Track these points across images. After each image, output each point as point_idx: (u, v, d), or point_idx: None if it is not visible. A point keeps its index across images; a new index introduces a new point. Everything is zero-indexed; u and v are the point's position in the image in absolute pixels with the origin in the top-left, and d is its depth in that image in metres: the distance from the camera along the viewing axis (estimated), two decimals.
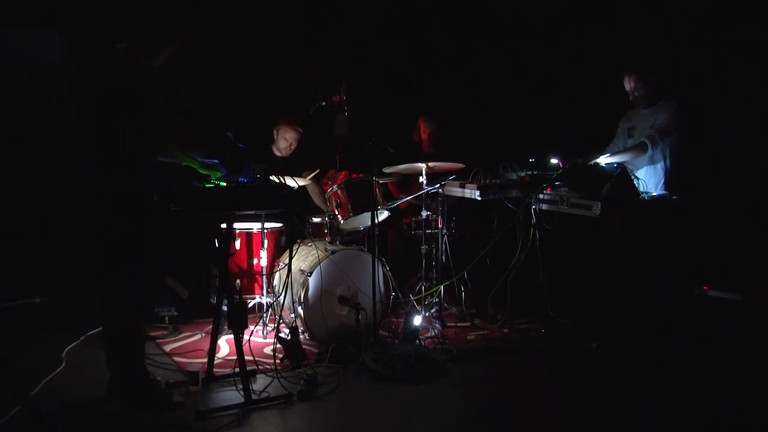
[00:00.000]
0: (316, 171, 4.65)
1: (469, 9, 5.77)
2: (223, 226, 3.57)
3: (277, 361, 3.67)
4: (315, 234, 4.55)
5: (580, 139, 4.66)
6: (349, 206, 4.27)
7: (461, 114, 5.66)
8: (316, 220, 4.64)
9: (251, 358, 3.54)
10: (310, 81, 4.52)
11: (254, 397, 3.19)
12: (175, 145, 3.28)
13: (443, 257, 4.40)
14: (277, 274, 4.36)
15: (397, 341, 4.00)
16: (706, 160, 4.57)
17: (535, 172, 4.17)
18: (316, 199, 4.93)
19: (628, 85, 4.31)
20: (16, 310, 4.85)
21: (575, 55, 5.35)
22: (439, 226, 4.38)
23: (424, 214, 4.37)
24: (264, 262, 4.38)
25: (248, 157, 4.33)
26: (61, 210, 4.86)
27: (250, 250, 4.48)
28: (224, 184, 3.28)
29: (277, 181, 3.39)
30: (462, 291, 4.56)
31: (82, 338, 4.06)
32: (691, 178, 4.31)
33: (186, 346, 4.11)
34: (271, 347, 3.91)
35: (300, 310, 4.04)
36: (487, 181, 4.19)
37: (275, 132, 4.92)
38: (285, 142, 4.89)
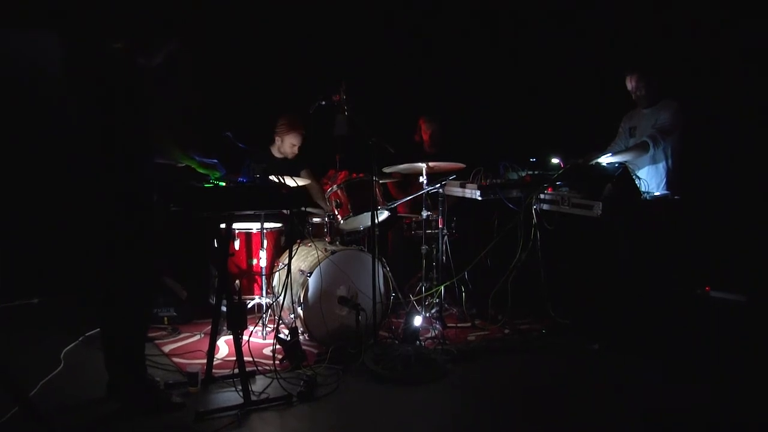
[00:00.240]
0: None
1: (469, 8, 5.76)
2: (222, 226, 3.56)
3: (277, 362, 3.66)
4: (315, 234, 4.54)
5: (581, 139, 4.65)
6: (349, 206, 4.25)
7: (462, 114, 5.65)
8: (316, 220, 4.62)
9: (250, 358, 3.53)
10: (310, 81, 4.51)
11: (253, 398, 3.18)
12: (175, 144, 3.27)
13: (444, 257, 4.38)
14: (276, 275, 4.34)
15: (397, 342, 4.00)
16: (707, 160, 4.55)
17: (535, 172, 4.16)
18: (317, 198, 4.91)
19: (630, 84, 4.30)
20: (14, 311, 4.84)
21: (576, 55, 5.34)
22: (440, 226, 4.37)
23: (425, 214, 4.36)
24: (263, 263, 4.37)
25: (248, 157, 4.32)
26: (61, 210, 4.85)
27: (249, 251, 4.47)
28: (223, 184, 3.27)
29: (277, 181, 3.38)
30: (462, 291, 4.55)
31: (80, 339, 4.05)
32: (692, 177, 4.30)
33: (185, 346, 4.10)
34: (271, 348, 3.90)
35: (300, 311, 4.03)
36: (488, 181, 4.17)
37: (279, 138, 4.88)
38: (292, 147, 4.86)
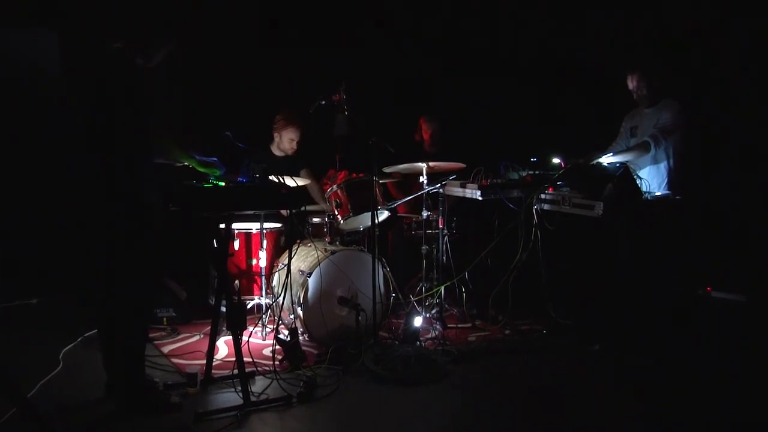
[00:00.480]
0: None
1: (469, 8, 5.75)
2: (222, 226, 3.56)
3: (276, 362, 3.65)
4: (315, 234, 4.53)
5: (582, 139, 4.64)
6: (348, 206, 4.24)
7: (462, 114, 5.64)
8: (316, 220, 4.62)
9: (250, 359, 3.52)
10: (310, 81, 4.50)
11: (253, 398, 3.17)
12: (175, 144, 3.27)
13: (444, 258, 4.38)
14: (276, 275, 4.33)
15: (397, 342, 3.99)
16: (708, 160, 4.54)
17: (536, 172, 4.15)
18: (317, 198, 4.91)
19: (631, 84, 4.28)
20: (14, 311, 4.84)
21: (576, 54, 5.33)
22: (440, 226, 4.36)
23: (425, 214, 4.35)
24: (263, 263, 4.36)
25: (247, 157, 4.31)
26: (61, 210, 4.84)
27: (249, 251, 4.46)
28: (223, 183, 3.27)
29: (276, 181, 3.37)
30: (463, 292, 4.55)
31: (79, 339, 4.04)
32: (694, 178, 4.29)
33: (184, 347, 4.09)
34: (270, 348, 3.89)
35: (299, 311, 4.02)
36: (489, 180, 4.17)
37: (276, 134, 4.88)
38: (290, 142, 4.86)
